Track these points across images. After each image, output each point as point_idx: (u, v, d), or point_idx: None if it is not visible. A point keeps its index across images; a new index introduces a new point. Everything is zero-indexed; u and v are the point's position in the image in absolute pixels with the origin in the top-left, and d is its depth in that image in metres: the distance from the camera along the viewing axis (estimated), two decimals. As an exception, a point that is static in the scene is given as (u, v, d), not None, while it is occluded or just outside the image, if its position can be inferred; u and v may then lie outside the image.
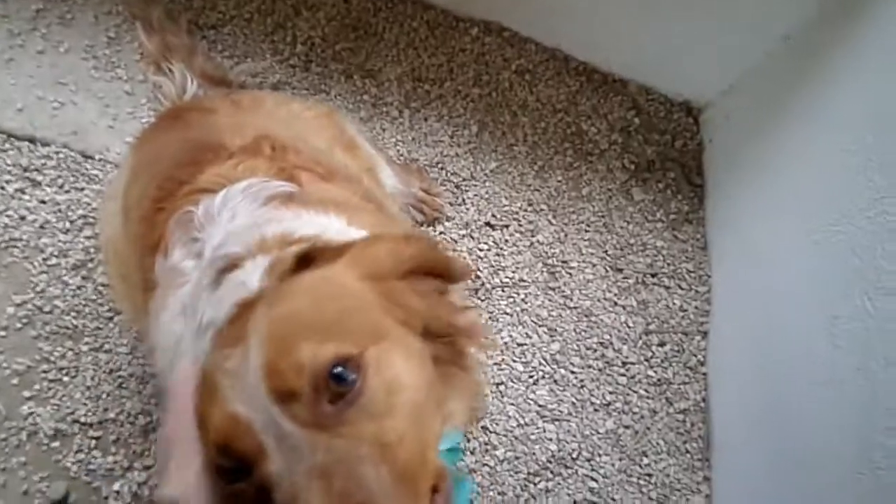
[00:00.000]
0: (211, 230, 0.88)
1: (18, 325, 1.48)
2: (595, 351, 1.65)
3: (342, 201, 0.95)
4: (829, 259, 1.37)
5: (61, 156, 1.61)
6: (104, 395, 1.46)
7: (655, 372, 1.66)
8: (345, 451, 0.60)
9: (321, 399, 0.62)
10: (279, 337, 0.65)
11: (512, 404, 1.57)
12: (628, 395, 1.63)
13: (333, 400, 0.62)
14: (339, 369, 0.63)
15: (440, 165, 1.75)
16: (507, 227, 1.72)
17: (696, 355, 1.68)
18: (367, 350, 0.65)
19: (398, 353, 0.68)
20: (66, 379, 1.47)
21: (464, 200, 1.73)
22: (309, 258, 0.74)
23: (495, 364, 1.60)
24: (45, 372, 1.46)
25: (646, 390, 1.64)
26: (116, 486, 1.40)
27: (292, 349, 0.63)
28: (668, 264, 1.76)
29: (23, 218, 1.56)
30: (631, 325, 1.69)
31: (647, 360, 1.67)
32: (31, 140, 1.61)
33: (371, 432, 0.62)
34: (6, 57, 1.68)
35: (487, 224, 1.71)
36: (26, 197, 1.57)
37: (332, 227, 0.85)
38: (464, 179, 1.75)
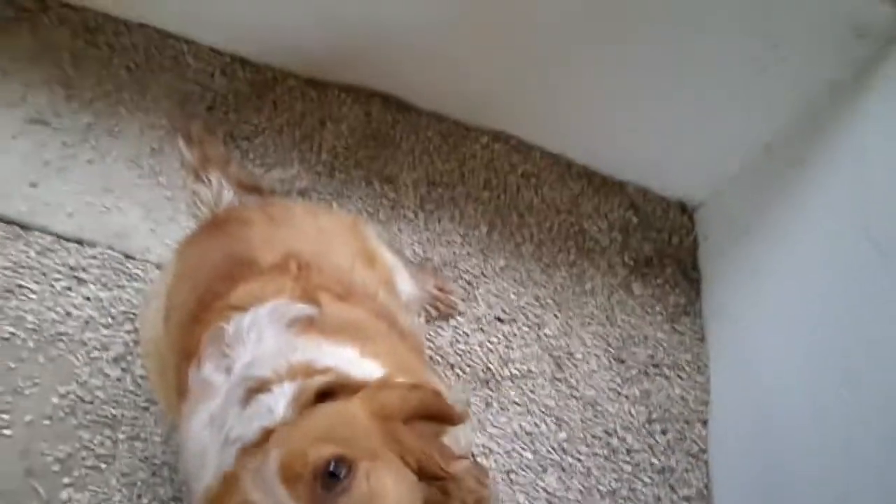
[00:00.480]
0: (239, 350, 1.01)
1: (61, 415, 1.57)
2: (600, 439, 1.74)
3: (356, 327, 1.10)
4: (820, 353, 1.47)
5: (105, 256, 1.75)
6: (139, 483, 1.54)
7: (659, 460, 1.74)
8: None
9: (317, 486, 0.77)
10: (295, 443, 0.80)
11: (522, 492, 1.65)
12: (633, 482, 1.70)
13: (327, 489, 0.77)
14: (334, 465, 0.77)
15: (453, 263, 1.88)
16: (514, 321, 1.84)
17: (697, 443, 1.76)
18: (361, 460, 0.80)
19: (388, 472, 0.82)
20: (103, 466, 1.55)
21: (475, 297, 1.85)
22: (329, 392, 0.89)
23: (505, 452, 1.68)
24: (83, 459, 1.54)
25: (650, 478, 1.71)
26: (149, 573, 1.47)
27: (303, 450, 0.79)
28: (668, 355, 1.86)
29: (69, 314, 1.68)
30: (634, 413, 1.78)
31: (650, 447, 1.75)
32: (79, 242, 1.75)
33: None
34: (59, 166, 1.84)
35: (497, 318, 1.83)
36: (72, 294, 1.70)
37: (346, 357, 1.00)
38: (475, 277, 1.88)
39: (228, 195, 1.68)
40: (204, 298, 1.13)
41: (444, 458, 0.87)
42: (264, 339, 1.02)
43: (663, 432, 1.77)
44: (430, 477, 0.86)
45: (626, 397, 1.80)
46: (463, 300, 1.83)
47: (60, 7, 2.03)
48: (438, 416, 0.91)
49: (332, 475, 0.77)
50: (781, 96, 1.66)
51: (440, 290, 1.79)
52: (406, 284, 1.50)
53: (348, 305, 1.15)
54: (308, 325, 1.05)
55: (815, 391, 1.47)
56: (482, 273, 1.89)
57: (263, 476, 0.78)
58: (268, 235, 1.25)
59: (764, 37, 1.56)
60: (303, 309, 1.06)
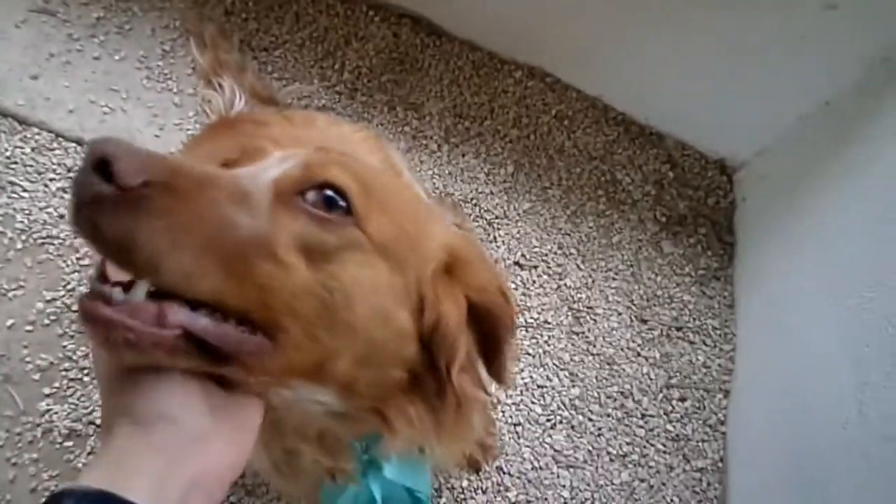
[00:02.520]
0: None
1: (46, 322, 1.49)
2: (615, 400, 1.64)
3: None
4: (861, 325, 1.36)
5: (106, 159, 1.64)
6: (122, 399, 1.46)
7: (674, 427, 1.63)
8: (264, 215, 0.58)
9: (306, 194, 0.61)
10: (325, 155, 0.68)
11: (528, 446, 1.55)
12: (645, 448, 1.61)
13: (304, 199, 0.61)
14: (337, 193, 0.62)
15: (474, 202, 1.76)
16: (535, 267, 1.72)
17: (716, 413, 1.66)
18: (374, 232, 0.63)
19: (384, 278, 0.65)
20: (86, 379, 1.47)
21: (495, 238, 1.73)
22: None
23: (514, 404, 1.58)
24: (66, 370, 1.46)
25: (663, 445, 1.62)
26: (125, 491, 1.39)
27: (327, 161, 0.65)
28: (694, 319, 1.75)
29: (61, 217, 1.58)
30: (653, 377, 1.67)
31: (666, 414, 1.65)
32: (79, 142, 1.65)
33: (298, 233, 0.59)
34: (63, 59, 1.72)
35: (516, 263, 1.72)
36: (67, 196, 1.60)
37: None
38: (496, 217, 1.76)
39: (240, 104, 1.60)
40: None
41: (465, 365, 0.71)
42: None
43: (681, 399, 1.67)
44: (434, 363, 0.70)
45: (646, 359, 1.69)
46: (481, 240, 1.72)
47: None
48: (495, 341, 0.74)
49: (328, 200, 0.61)
50: (849, 44, 1.52)
51: (458, 227, 1.67)
52: (427, 210, 1.38)
53: None
54: None
55: (854, 368, 1.36)
56: (504, 214, 1.77)
57: (294, 153, 0.65)
58: (290, 134, 1.13)
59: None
60: None
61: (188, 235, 0.52)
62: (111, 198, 0.49)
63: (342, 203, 0.61)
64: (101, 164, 0.49)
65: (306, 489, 0.87)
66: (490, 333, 0.74)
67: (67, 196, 1.59)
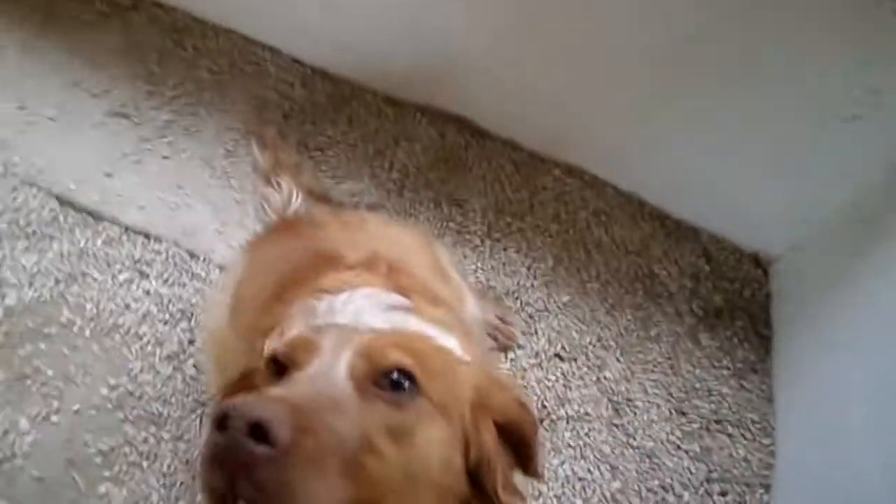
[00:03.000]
0: (332, 320, 0.94)
1: (109, 407, 1.56)
2: (656, 494, 1.64)
3: (453, 326, 1.01)
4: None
5: (170, 253, 1.75)
6: (178, 484, 1.51)
7: (716, 522, 1.64)
8: (351, 414, 0.63)
9: (371, 378, 0.68)
10: (384, 339, 0.74)
11: (569, 540, 1.57)
12: (687, 542, 1.61)
13: (379, 387, 0.68)
14: (403, 377, 0.69)
15: (515, 295, 1.83)
16: (575, 360, 1.77)
17: (758, 509, 1.66)
18: (431, 401, 0.70)
19: (446, 434, 0.72)
20: (144, 464, 1.52)
21: (536, 331, 1.79)
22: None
23: (555, 496, 1.60)
24: (126, 454, 1.52)
25: (705, 540, 1.62)
26: (178, 577, 1.43)
27: (387, 347, 0.71)
28: (733, 412, 1.77)
29: (128, 306, 1.67)
30: (693, 471, 1.68)
31: (707, 508, 1.65)
32: (146, 235, 1.76)
33: (385, 420, 0.65)
34: (135, 159, 1.86)
35: (557, 356, 1.76)
36: (134, 287, 1.70)
37: (453, 346, 0.91)
38: (537, 310, 1.82)
39: (297, 202, 1.68)
40: (285, 283, 1.09)
41: (505, 482, 0.78)
42: (363, 315, 0.94)
43: (722, 493, 1.67)
44: (479, 488, 0.77)
45: (686, 452, 1.70)
46: (523, 333, 1.77)
47: (152, 6, 2.09)
48: (525, 447, 0.81)
49: (395, 383, 0.68)
50: (875, 149, 1.58)
51: (501, 319, 1.73)
52: (473, 307, 1.45)
53: (440, 310, 1.07)
54: (408, 312, 0.97)
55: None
56: (545, 307, 1.83)
57: (341, 340, 0.71)
58: (345, 237, 1.22)
59: (863, 82, 1.49)
60: (400, 299, 1.00)
61: (326, 466, 0.57)
62: (270, 458, 0.53)
63: (405, 382, 0.69)
64: (254, 429, 0.53)
65: None
66: (519, 441, 0.81)
67: (134, 287, 1.70)
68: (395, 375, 0.69)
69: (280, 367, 0.72)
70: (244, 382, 0.85)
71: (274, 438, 0.53)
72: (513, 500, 0.79)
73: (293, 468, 0.54)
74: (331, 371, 0.68)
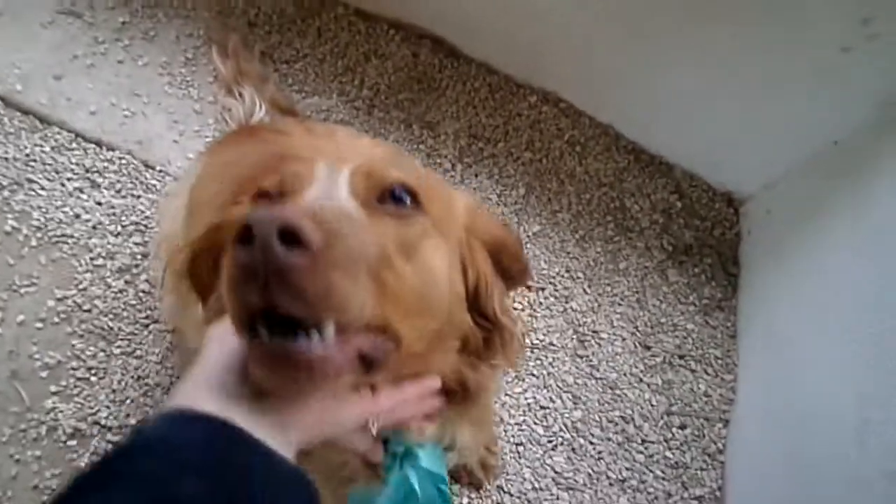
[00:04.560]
0: None
1: (56, 320, 1.50)
2: (616, 424, 1.65)
3: None
4: (864, 361, 1.37)
5: (124, 162, 1.66)
6: (128, 401, 1.46)
7: (673, 454, 1.64)
8: (364, 228, 0.61)
9: (376, 195, 0.67)
10: (378, 160, 0.73)
11: (528, 467, 1.56)
12: (644, 474, 1.61)
13: (382, 202, 0.67)
14: (404, 192, 0.67)
15: (485, 221, 1.78)
16: (542, 290, 1.74)
17: (715, 442, 1.67)
18: (433, 214, 0.69)
19: (447, 253, 0.71)
20: (93, 379, 1.47)
21: (504, 258, 1.75)
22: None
23: (516, 424, 1.59)
24: (73, 369, 1.47)
25: (662, 471, 1.62)
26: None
27: (383, 166, 0.70)
28: (697, 348, 1.77)
29: (77, 216, 1.59)
30: (654, 403, 1.69)
31: (666, 441, 1.66)
32: (98, 143, 1.67)
33: (393, 235, 0.64)
34: (88, 62, 1.75)
35: (525, 285, 1.73)
36: (84, 196, 1.61)
37: None
38: (506, 238, 1.78)
39: (260, 113, 1.62)
40: (244, 186, 1.03)
41: (502, 305, 0.78)
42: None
43: (682, 427, 1.68)
44: (478, 309, 0.77)
45: (648, 385, 1.70)
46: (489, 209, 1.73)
47: None
48: (514, 264, 0.82)
49: (398, 199, 0.67)
50: (862, 85, 1.55)
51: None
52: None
53: None
54: None
55: (856, 402, 1.37)
56: (514, 235, 1.79)
57: (334, 167, 0.69)
58: (310, 143, 1.15)
59: (856, 12, 1.44)
60: None
61: (355, 273, 0.55)
62: (306, 262, 0.50)
63: (407, 199, 0.67)
64: (285, 235, 0.50)
65: (332, 500, 0.88)
66: (505, 258, 0.82)
67: (84, 196, 1.61)
68: (397, 191, 0.67)
69: (270, 200, 0.68)
70: (214, 236, 0.80)
71: (307, 241, 0.50)
72: (510, 322, 0.81)
73: (328, 271, 0.52)
74: (332, 192, 0.65)
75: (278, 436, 0.58)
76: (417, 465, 0.82)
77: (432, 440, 0.84)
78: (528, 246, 1.78)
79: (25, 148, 1.63)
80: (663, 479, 1.62)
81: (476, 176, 1.84)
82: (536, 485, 1.55)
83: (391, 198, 0.66)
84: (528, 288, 1.73)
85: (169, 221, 1.28)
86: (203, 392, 0.58)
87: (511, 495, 1.53)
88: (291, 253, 0.50)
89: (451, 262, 0.71)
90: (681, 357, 1.75)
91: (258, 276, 0.50)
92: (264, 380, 0.56)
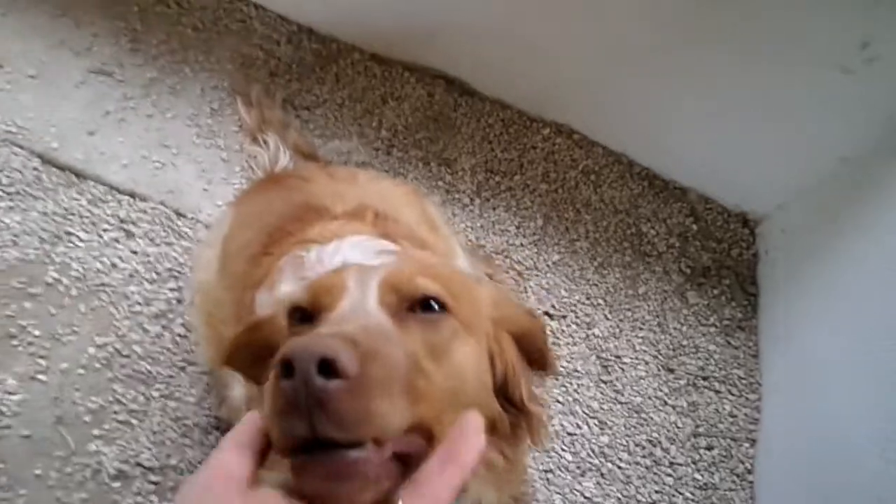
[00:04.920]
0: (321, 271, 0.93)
1: (97, 366, 1.55)
2: (643, 448, 1.67)
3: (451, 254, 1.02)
4: (885, 376, 1.39)
5: (156, 211, 1.73)
6: (168, 442, 1.51)
7: (702, 475, 1.66)
8: (396, 341, 0.63)
9: (406, 305, 0.69)
10: (408, 269, 0.74)
11: (558, 493, 1.58)
12: (674, 496, 1.63)
13: (413, 311, 0.69)
14: (433, 301, 0.69)
15: (505, 253, 1.83)
16: (564, 317, 1.78)
17: (743, 462, 1.69)
18: (460, 321, 0.71)
19: (477, 349, 0.73)
20: (134, 422, 1.52)
21: (526, 289, 1.79)
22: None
23: (544, 451, 1.62)
24: (115, 413, 1.52)
25: (691, 493, 1.64)
26: (169, 533, 1.44)
27: (413, 275, 0.71)
28: (720, 369, 1.79)
29: (114, 265, 1.66)
30: (680, 425, 1.71)
31: (694, 462, 1.67)
32: (132, 195, 1.74)
33: (422, 342, 0.66)
34: (119, 117, 1.83)
35: (546, 314, 1.77)
36: (120, 246, 1.68)
37: (463, 266, 0.92)
38: (527, 269, 1.82)
39: (284, 159, 1.68)
40: (273, 236, 1.09)
41: (529, 393, 0.80)
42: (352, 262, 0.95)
43: (709, 448, 1.69)
44: (506, 396, 0.79)
45: (673, 408, 1.73)
46: (513, 291, 1.78)
47: (133, -37, 2.03)
48: (540, 353, 0.84)
49: (427, 306, 0.69)
50: (866, 104, 1.58)
51: (490, 278, 1.73)
52: (463, 263, 1.45)
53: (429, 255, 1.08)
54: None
55: (880, 418, 1.39)
56: (534, 266, 1.83)
57: (363, 277, 0.71)
58: (333, 189, 1.21)
59: (854, 35, 1.48)
60: (389, 246, 1.00)
61: (393, 389, 0.57)
62: (345, 390, 0.53)
63: (436, 306, 0.69)
64: (323, 366, 0.52)
65: None
66: (531, 347, 0.84)
67: (120, 246, 1.68)
68: (425, 301, 0.70)
69: (304, 315, 0.71)
70: (254, 335, 0.84)
71: (343, 370, 0.53)
72: (537, 408, 0.82)
73: (366, 395, 0.54)
74: (363, 306, 0.67)
75: None
76: None
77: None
78: (549, 275, 1.82)
79: (63, 202, 1.70)
80: (693, 500, 1.63)
81: (494, 209, 1.89)
82: (567, 511, 1.57)
83: (421, 307, 0.69)
84: (550, 317, 1.77)
85: (203, 270, 1.34)
86: None
87: (543, 522, 1.55)
88: (330, 382, 0.52)
89: (479, 357, 0.74)
90: (704, 378, 1.77)
91: (301, 407, 0.53)
92: (308, 488, 0.55)
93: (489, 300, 0.81)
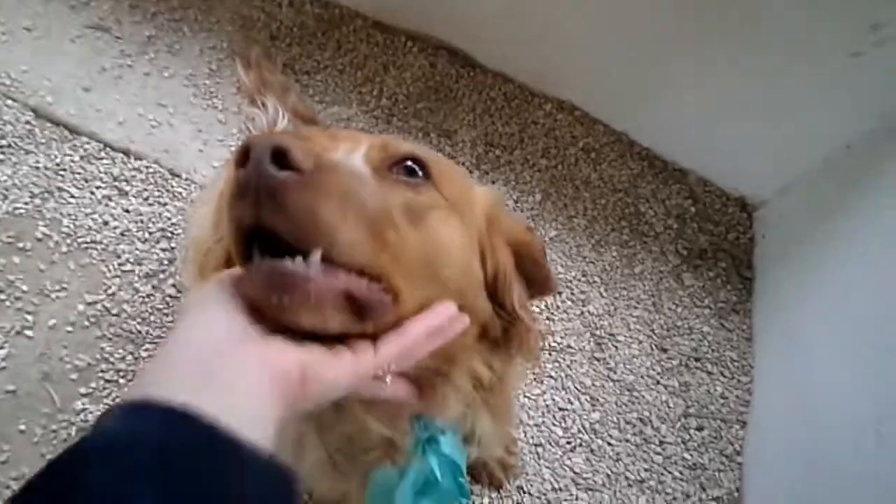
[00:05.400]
0: None
1: (86, 324, 1.53)
2: (634, 426, 1.66)
3: None
4: (879, 360, 1.39)
5: (151, 170, 1.70)
6: (156, 402, 1.49)
7: (691, 455, 1.66)
8: (370, 186, 0.63)
9: (388, 164, 0.69)
10: (391, 138, 0.75)
11: (548, 467, 1.58)
12: (663, 475, 1.63)
13: (393, 171, 0.69)
14: (416, 163, 0.70)
15: (502, 227, 1.81)
16: (560, 293, 1.77)
17: (733, 444, 1.69)
18: (445, 192, 0.71)
19: (460, 227, 0.72)
20: (122, 381, 1.50)
21: (522, 263, 1.78)
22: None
23: (535, 425, 1.61)
24: (103, 372, 1.49)
25: (680, 472, 1.64)
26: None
27: (398, 141, 0.73)
28: (713, 350, 1.78)
29: (106, 223, 1.63)
30: (671, 405, 1.70)
31: (684, 442, 1.67)
32: (126, 152, 1.71)
33: (400, 200, 0.65)
34: (115, 74, 1.80)
35: (542, 288, 1.76)
36: (112, 204, 1.65)
37: None
38: (523, 243, 1.81)
39: (283, 122, 1.65)
40: None
41: (521, 299, 0.80)
42: None
43: (699, 428, 1.69)
44: (497, 300, 0.78)
45: (665, 387, 1.72)
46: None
47: (135, -82, 1.99)
48: (536, 267, 0.84)
49: (409, 170, 0.69)
50: (873, 90, 1.57)
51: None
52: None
53: None
54: None
55: (872, 401, 1.39)
56: (531, 241, 1.82)
57: (349, 142, 0.72)
58: (333, 147, 1.19)
59: (864, 18, 1.47)
60: None
61: (350, 210, 0.57)
62: (294, 182, 0.54)
63: (420, 172, 0.70)
64: (276, 155, 0.53)
65: (356, 485, 0.90)
66: (527, 260, 0.83)
67: (112, 204, 1.65)
68: (408, 163, 0.70)
69: None
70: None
71: (296, 163, 0.54)
72: (529, 317, 0.82)
73: (315, 196, 0.55)
74: (347, 158, 0.68)
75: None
76: (439, 450, 0.83)
77: (453, 424, 0.85)
78: (546, 251, 1.81)
79: (56, 157, 1.67)
80: (681, 479, 1.63)
81: (493, 183, 1.87)
82: (556, 485, 1.56)
83: (403, 168, 0.69)
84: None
85: (197, 227, 1.32)
86: (172, 372, 0.50)
87: (531, 495, 1.54)
88: (281, 172, 0.53)
89: (465, 242, 0.73)
90: (697, 359, 1.77)
91: (250, 192, 0.54)
92: (250, 294, 0.56)
93: (485, 199, 0.81)
